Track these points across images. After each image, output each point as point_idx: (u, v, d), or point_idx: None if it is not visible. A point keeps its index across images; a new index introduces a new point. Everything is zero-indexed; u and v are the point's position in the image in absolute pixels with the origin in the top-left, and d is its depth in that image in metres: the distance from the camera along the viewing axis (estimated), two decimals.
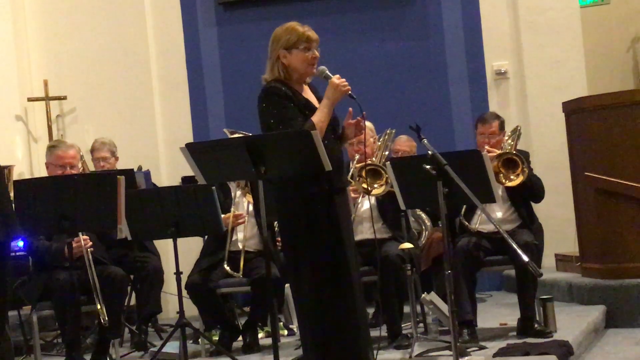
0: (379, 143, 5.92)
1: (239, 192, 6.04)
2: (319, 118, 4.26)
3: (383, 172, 5.63)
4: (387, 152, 5.97)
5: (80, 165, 5.98)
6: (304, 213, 4.30)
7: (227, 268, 5.87)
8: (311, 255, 4.31)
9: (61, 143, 5.86)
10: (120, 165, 6.88)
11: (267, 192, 4.26)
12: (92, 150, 6.96)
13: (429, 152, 4.49)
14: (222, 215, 5.58)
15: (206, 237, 6.30)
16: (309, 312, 4.33)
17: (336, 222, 4.31)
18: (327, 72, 4.36)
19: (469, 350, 5.12)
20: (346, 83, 4.30)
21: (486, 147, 5.72)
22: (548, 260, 6.89)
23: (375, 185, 5.63)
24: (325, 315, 4.28)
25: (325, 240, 4.29)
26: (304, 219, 4.30)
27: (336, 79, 4.30)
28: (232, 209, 5.95)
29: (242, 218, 5.94)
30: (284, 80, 4.39)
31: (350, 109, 4.37)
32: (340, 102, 4.33)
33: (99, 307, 5.05)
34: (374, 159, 5.76)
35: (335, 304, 4.29)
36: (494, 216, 5.66)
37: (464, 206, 5.74)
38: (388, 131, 6.08)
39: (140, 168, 7.31)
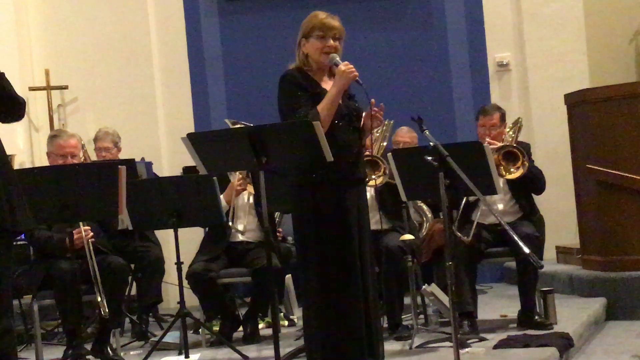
0: (377, 134, 5.90)
1: (237, 183, 6.01)
2: (322, 106, 4.24)
3: (381, 163, 5.63)
4: (385, 144, 5.96)
5: (81, 154, 5.97)
6: (311, 203, 4.31)
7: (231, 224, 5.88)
8: (318, 246, 4.31)
9: (62, 132, 5.85)
10: (122, 155, 6.87)
11: (268, 182, 4.26)
12: (95, 140, 6.94)
13: (431, 143, 4.48)
14: (222, 195, 5.61)
15: (207, 228, 6.31)
16: (314, 302, 4.34)
17: (345, 214, 4.30)
18: (337, 59, 4.34)
19: (469, 341, 5.13)
20: (353, 69, 4.26)
21: (487, 139, 5.72)
22: (549, 252, 6.89)
23: (373, 177, 5.62)
24: (331, 307, 4.28)
25: (332, 231, 4.29)
26: (311, 209, 4.31)
27: (343, 65, 4.29)
28: (233, 179, 5.93)
29: (245, 183, 5.92)
30: (304, 68, 4.39)
31: (373, 100, 4.34)
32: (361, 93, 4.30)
33: (99, 299, 5.05)
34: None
35: (341, 296, 4.29)
36: (495, 208, 5.66)
37: (465, 199, 5.73)
38: (386, 122, 6.07)
39: (143, 160, 7.31)
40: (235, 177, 5.94)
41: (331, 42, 4.36)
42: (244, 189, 5.96)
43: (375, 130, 4.64)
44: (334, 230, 4.29)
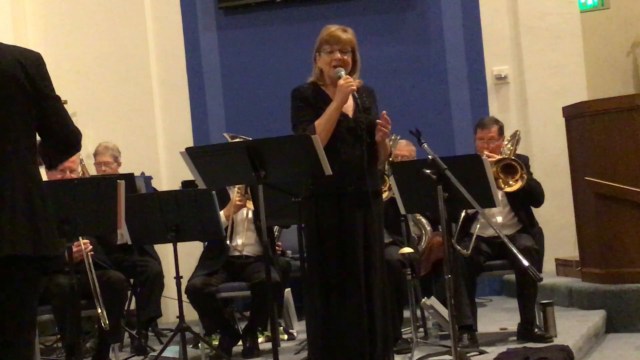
0: None
1: (237, 198, 6.01)
2: (319, 121, 4.27)
3: (386, 178, 5.62)
4: (391, 158, 5.96)
5: (80, 169, 5.97)
6: (313, 215, 4.33)
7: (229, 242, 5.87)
8: (319, 258, 4.32)
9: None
10: (120, 169, 6.88)
11: (267, 196, 4.26)
12: (95, 154, 6.95)
13: (429, 156, 4.48)
14: (222, 211, 5.61)
15: (206, 242, 6.30)
16: (316, 316, 4.35)
17: (346, 227, 4.30)
18: (341, 73, 4.35)
19: (469, 355, 5.12)
20: (350, 82, 4.29)
21: (485, 152, 5.72)
22: (548, 265, 6.88)
23: None
24: (332, 321, 4.29)
25: (333, 244, 4.30)
26: (313, 221, 4.33)
27: (342, 80, 4.30)
28: (232, 195, 5.93)
29: (244, 200, 5.91)
30: (319, 83, 4.40)
31: (384, 112, 4.36)
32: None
33: (99, 311, 5.04)
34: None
35: (342, 311, 4.29)
36: (494, 221, 5.66)
37: (464, 212, 5.73)
38: (392, 137, 6.08)
39: (143, 174, 7.31)
40: (234, 193, 5.94)
41: (338, 55, 4.38)
42: (244, 205, 5.96)
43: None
44: (335, 243, 4.29)
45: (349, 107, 4.44)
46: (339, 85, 4.28)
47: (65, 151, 3.35)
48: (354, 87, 4.28)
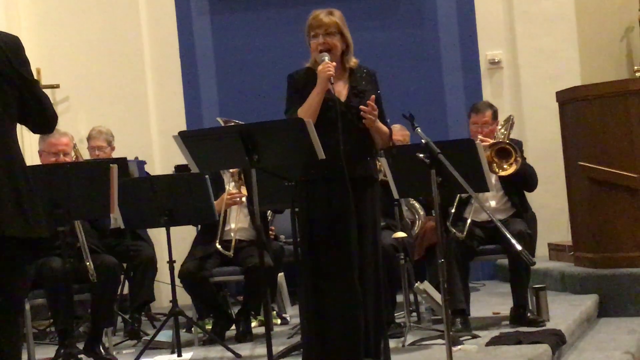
0: None
1: (232, 184, 6.01)
2: (302, 108, 4.28)
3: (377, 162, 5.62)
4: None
5: (73, 153, 5.96)
6: (304, 200, 4.34)
7: (219, 247, 5.83)
8: (310, 243, 4.33)
9: (54, 131, 5.82)
10: (115, 154, 6.86)
11: (260, 181, 4.25)
12: (89, 139, 6.93)
13: (423, 140, 4.47)
14: (216, 201, 5.60)
15: (199, 226, 6.30)
16: (307, 301, 4.36)
17: (335, 212, 4.30)
18: (325, 58, 4.32)
19: (461, 339, 5.13)
20: (328, 68, 4.26)
21: (479, 136, 5.72)
22: (541, 249, 6.90)
23: None
24: (323, 307, 4.30)
25: (322, 229, 4.30)
26: (304, 207, 4.34)
27: (321, 65, 4.29)
28: (227, 190, 5.92)
29: (238, 196, 5.90)
30: (313, 67, 4.38)
31: (373, 96, 4.35)
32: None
33: (88, 263, 5.07)
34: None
35: (333, 297, 4.29)
36: (487, 205, 5.67)
37: (458, 196, 5.73)
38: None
39: (137, 159, 7.30)
40: (230, 186, 5.92)
41: (321, 39, 4.36)
42: (236, 204, 5.92)
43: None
44: (325, 229, 4.29)
45: (343, 91, 4.43)
46: (317, 71, 4.28)
47: (40, 133, 3.38)
48: (331, 73, 4.25)
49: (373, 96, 4.34)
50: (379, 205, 4.56)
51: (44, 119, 3.33)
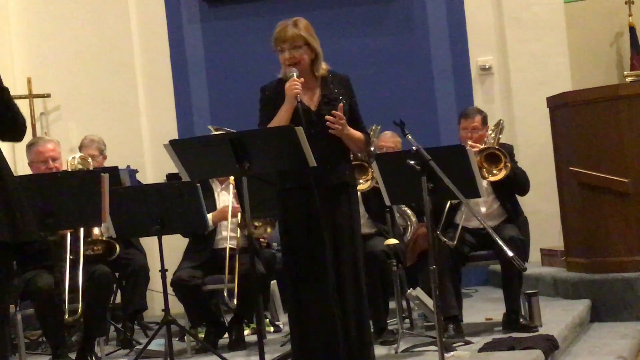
0: None
1: (221, 192, 6.00)
2: (272, 123, 4.29)
3: (368, 167, 5.62)
4: (372, 148, 5.96)
5: (62, 158, 5.93)
6: (282, 209, 4.35)
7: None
8: (289, 251, 4.35)
9: (38, 139, 5.83)
10: (106, 163, 6.85)
11: (251, 188, 4.25)
12: (81, 147, 6.93)
13: (414, 147, 4.48)
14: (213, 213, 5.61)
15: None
16: (289, 310, 4.40)
17: (312, 220, 4.29)
18: (292, 74, 4.29)
19: (454, 345, 5.12)
20: (295, 85, 4.23)
21: (469, 142, 5.73)
22: (533, 254, 6.89)
23: (361, 181, 5.62)
24: (303, 316, 4.32)
25: (298, 238, 4.31)
26: (282, 215, 4.36)
27: (288, 82, 4.27)
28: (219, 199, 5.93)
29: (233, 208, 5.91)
30: (286, 79, 4.35)
31: (341, 104, 4.34)
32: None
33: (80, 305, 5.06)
34: (359, 155, 5.74)
35: (310, 304, 4.31)
36: (478, 211, 5.67)
37: (449, 202, 5.73)
38: (373, 127, 6.07)
39: (128, 167, 7.29)
40: (230, 204, 5.93)
41: (287, 54, 4.33)
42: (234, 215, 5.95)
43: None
44: (301, 237, 4.31)
45: (314, 100, 4.42)
46: (285, 88, 4.27)
47: (10, 140, 3.34)
48: (298, 91, 4.23)
49: (341, 105, 4.33)
50: (358, 211, 4.55)
51: (14, 126, 3.29)
